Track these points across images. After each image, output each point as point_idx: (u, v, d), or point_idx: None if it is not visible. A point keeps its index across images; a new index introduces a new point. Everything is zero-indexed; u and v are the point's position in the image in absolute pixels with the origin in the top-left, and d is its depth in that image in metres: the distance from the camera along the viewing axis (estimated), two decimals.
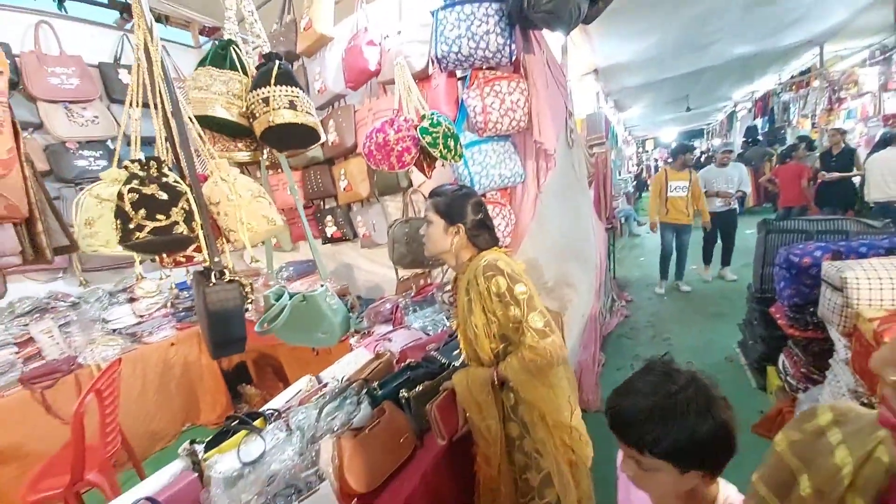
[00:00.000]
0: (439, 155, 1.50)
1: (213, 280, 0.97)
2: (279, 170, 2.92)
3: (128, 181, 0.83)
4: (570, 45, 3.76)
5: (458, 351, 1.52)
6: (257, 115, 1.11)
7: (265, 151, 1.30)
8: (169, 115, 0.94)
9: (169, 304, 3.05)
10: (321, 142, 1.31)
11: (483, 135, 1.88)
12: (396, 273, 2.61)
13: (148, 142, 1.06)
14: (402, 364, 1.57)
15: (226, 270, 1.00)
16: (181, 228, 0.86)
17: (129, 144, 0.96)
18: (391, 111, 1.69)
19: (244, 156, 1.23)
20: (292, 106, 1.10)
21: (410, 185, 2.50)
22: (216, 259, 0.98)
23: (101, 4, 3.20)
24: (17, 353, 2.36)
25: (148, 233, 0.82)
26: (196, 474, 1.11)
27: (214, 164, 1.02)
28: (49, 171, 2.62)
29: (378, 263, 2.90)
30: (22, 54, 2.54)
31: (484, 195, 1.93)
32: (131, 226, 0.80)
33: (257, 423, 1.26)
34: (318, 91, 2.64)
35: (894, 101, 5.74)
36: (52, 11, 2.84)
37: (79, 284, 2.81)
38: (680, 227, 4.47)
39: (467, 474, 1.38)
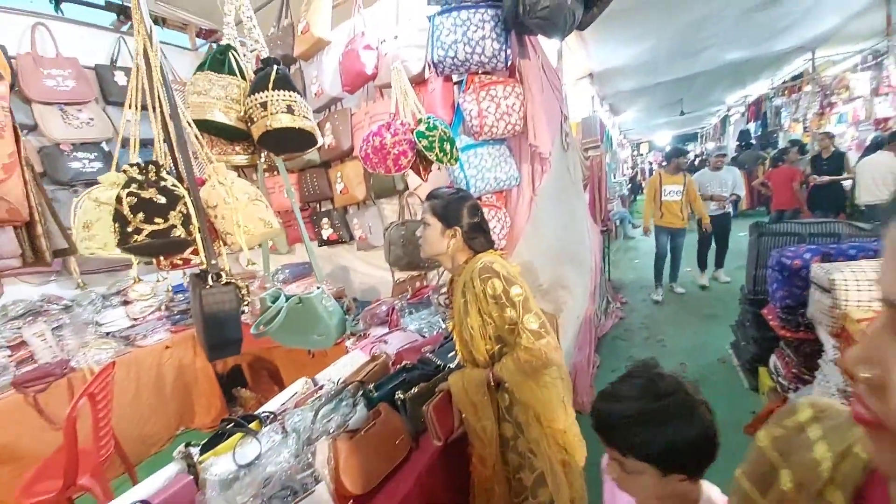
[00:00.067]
0: (435, 158, 1.51)
1: (210, 282, 0.98)
2: (275, 172, 2.93)
3: (126, 185, 0.83)
4: (566, 50, 3.81)
5: (453, 353, 1.52)
6: (255, 119, 1.12)
7: (262, 155, 1.31)
8: (167, 119, 0.95)
9: (163, 307, 3.04)
10: (318, 145, 1.32)
11: (479, 138, 1.90)
12: (393, 275, 2.62)
13: (144, 144, 1.07)
14: (398, 366, 1.58)
15: (222, 273, 1.00)
16: (179, 232, 0.86)
17: (123, 146, 0.97)
18: (388, 115, 1.70)
19: (242, 159, 1.24)
20: (290, 110, 1.12)
21: (407, 187, 2.51)
22: (213, 262, 0.99)
23: (98, 6, 3.20)
24: (9, 356, 2.34)
25: (146, 236, 0.82)
26: (191, 477, 1.11)
27: (212, 168, 1.02)
28: (43, 173, 2.60)
29: (374, 266, 2.90)
30: (18, 56, 2.53)
31: (480, 198, 1.94)
32: (129, 229, 0.81)
33: (253, 425, 1.27)
34: (315, 94, 2.65)
35: (885, 105, 5.83)
36: (48, 13, 2.83)
37: (76, 287, 2.79)
38: (674, 230, 4.49)
39: (462, 475, 1.38)
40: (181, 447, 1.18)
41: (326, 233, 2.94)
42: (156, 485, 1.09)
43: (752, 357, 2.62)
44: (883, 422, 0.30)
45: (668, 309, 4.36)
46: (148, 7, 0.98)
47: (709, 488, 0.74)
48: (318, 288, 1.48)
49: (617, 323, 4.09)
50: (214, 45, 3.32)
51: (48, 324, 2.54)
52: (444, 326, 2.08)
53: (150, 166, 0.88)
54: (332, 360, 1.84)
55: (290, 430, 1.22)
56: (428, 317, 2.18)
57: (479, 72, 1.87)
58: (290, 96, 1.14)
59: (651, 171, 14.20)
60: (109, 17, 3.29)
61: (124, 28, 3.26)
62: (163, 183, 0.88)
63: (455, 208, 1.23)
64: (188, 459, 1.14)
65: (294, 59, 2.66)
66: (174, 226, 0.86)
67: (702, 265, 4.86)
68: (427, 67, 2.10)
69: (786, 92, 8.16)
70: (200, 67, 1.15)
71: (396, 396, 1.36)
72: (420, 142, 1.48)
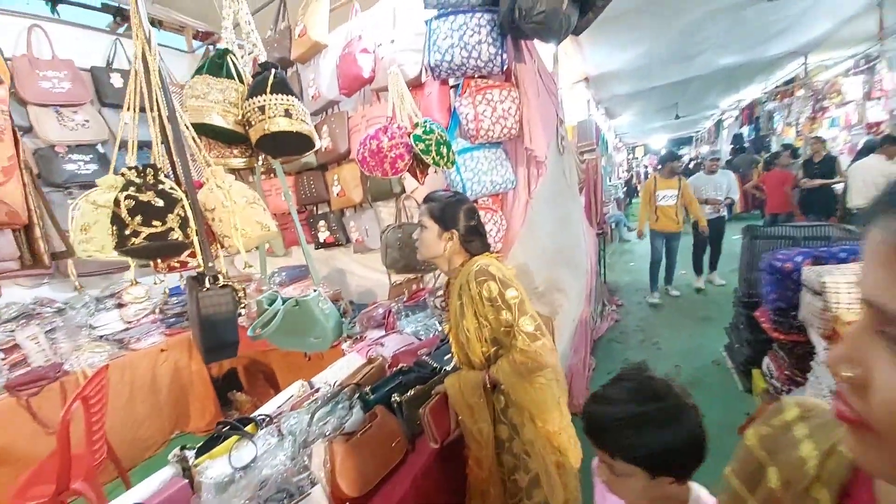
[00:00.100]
0: (432, 162, 1.53)
1: (207, 285, 0.98)
2: (271, 175, 2.93)
3: (124, 188, 0.84)
4: (562, 54, 3.83)
5: (449, 355, 1.53)
6: (253, 122, 1.12)
7: (260, 158, 1.31)
8: (165, 122, 0.95)
9: (157, 310, 3.03)
10: (315, 149, 1.33)
11: (475, 142, 1.91)
12: (389, 278, 2.62)
13: (141, 147, 1.07)
14: (394, 369, 1.58)
15: (220, 276, 1.01)
16: (176, 234, 0.87)
17: (121, 149, 0.97)
18: (384, 118, 1.71)
19: (239, 162, 1.25)
20: (288, 114, 1.12)
21: (403, 190, 2.52)
22: (210, 264, 0.99)
23: (94, 8, 3.20)
24: (2, 359, 2.32)
25: (144, 239, 0.82)
26: (186, 480, 1.11)
27: (210, 172, 1.03)
28: (38, 175, 2.59)
29: (371, 268, 2.91)
30: (14, 58, 2.53)
31: (476, 201, 1.95)
32: (127, 232, 0.81)
33: (249, 428, 1.27)
34: (312, 97, 2.66)
35: (878, 109, 5.90)
36: (44, 15, 2.83)
37: (74, 289, 2.77)
38: (669, 234, 4.49)
39: (458, 477, 1.39)
40: (176, 450, 1.18)
41: (323, 235, 2.94)
42: (151, 488, 1.09)
43: (746, 359, 2.64)
44: (865, 420, 0.30)
45: (663, 311, 4.39)
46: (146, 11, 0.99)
47: (698, 490, 0.75)
48: (315, 290, 1.48)
49: (612, 325, 4.11)
50: (211, 48, 3.35)
51: (41, 327, 2.52)
52: (440, 329, 2.08)
53: (148, 169, 0.89)
54: (329, 363, 1.83)
55: (287, 432, 1.22)
56: (424, 319, 2.19)
57: (476, 76, 1.88)
58: (287, 100, 1.14)
59: (647, 174, 14.30)
60: (106, 19, 3.28)
61: (120, 30, 3.26)
62: (161, 186, 0.89)
63: (452, 211, 1.24)
64: (183, 463, 1.13)
65: (291, 61, 2.67)
66: (172, 228, 0.86)
67: (697, 269, 4.88)
68: (424, 71, 2.12)
69: (778, 96, 8.25)
70: (199, 71, 1.15)
71: (393, 399, 1.36)
72: (417, 145, 1.50)
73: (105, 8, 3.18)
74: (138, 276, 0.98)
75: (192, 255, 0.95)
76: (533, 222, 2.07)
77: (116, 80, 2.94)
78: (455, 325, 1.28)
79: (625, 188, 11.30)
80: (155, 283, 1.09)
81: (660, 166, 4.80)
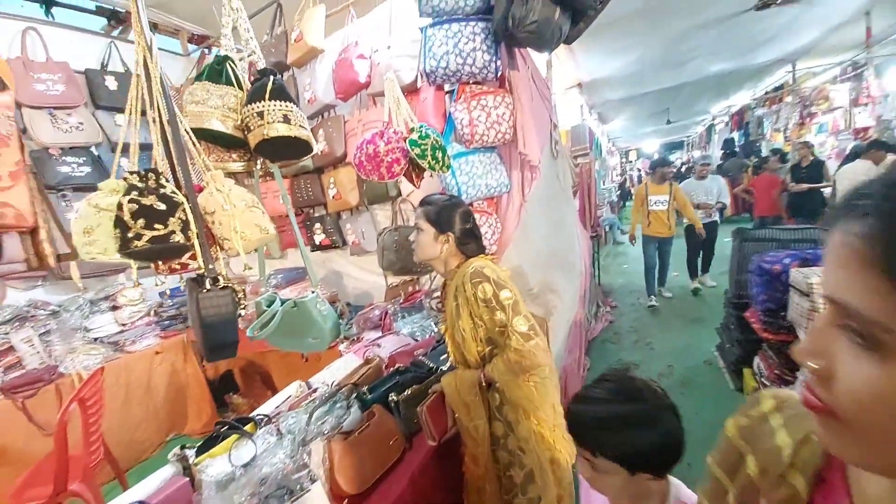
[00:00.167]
0: (428, 166, 1.55)
1: (208, 286, 1.00)
2: (266, 178, 2.94)
3: (127, 192, 0.86)
4: (555, 61, 3.89)
5: (445, 356, 1.56)
6: (252, 127, 1.15)
7: (258, 162, 1.34)
8: (166, 126, 0.97)
9: (152, 313, 3.02)
10: (313, 153, 1.35)
11: (470, 146, 1.94)
12: (386, 280, 2.64)
13: (139, 149, 1.09)
14: (391, 369, 1.61)
15: (220, 277, 1.03)
16: (178, 237, 0.89)
17: (124, 152, 0.99)
18: (380, 122, 1.74)
19: (238, 166, 1.27)
20: (286, 120, 1.15)
21: (399, 193, 2.54)
22: (210, 266, 1.01)
23: (89, 11, 3.20)
24: None
25: (146, 241, 0.85)
26: (187, 479, 1.12)
27: (210, 176, 1.05)
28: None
29: (367, 271, 2.92)
30: (9, 61, 2.52)
31: (471, 204, 1.98)
32: (130, 234, 0.84)
33: (247, 427, 1.28)
34: (308, 101, 2.68)
35: (865, 115, 6.02)
36: (39, 18, 2.83)
37: (77, 290, 2.77)
38: (662, 239, 4.53)
39: (455, 475, 1.41)
40: (176, 449, 1.19)
41: (319, 238, 2.96)
42: (152, 487, 1.10)
43: (737, 359, 2.69)
44: (831, 408, 0.33)
45: (657, 313, 4.44)
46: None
47: (677, 485, 0.78)
48: (313, 292, 1.50)
49: (606, 326, 4.16)
50: (206, 51, 3.36)
51: (35, 329, 2.50)
52: (436, 330, 2.11)
53: (150, 174, 0.91)
54: (326, 364, 1.85)
55: (285, 431, 1.24)
56: (420, 321, 2.21)
57: (470, 82, 1.92)
58: (286, 106, 1.17)
59: (640, 178, 14.44)
60: (100, 22, 3.28)
61: (115, 33, 3.26)
62: (162, 190, 0.91)
63: (448, 214, 1.27)
64: (184, 461, 1.15)
65: (287, 66, 2.69)
66: (173, 231, 0.89)
67: (693, 273, 4.92)
68: (419, 77, 2.15)
69: (767, 103, 8.40)
70: (199, 78, 1.18)
71: (390, 398, 1.38)
72: (413, 150, 1.52)
73: (99, 11, 3.19)
74: (137, 277, 1.00)
75: (193, 257, 0.97)
76: (527, 225, 2.11)
77: (111, 83, 2.94)
78: (451, 325, 1.30)
79: (618, 192, 11.41)
80: (156, 285, 1.10)
81: (651, 171, 4.85)
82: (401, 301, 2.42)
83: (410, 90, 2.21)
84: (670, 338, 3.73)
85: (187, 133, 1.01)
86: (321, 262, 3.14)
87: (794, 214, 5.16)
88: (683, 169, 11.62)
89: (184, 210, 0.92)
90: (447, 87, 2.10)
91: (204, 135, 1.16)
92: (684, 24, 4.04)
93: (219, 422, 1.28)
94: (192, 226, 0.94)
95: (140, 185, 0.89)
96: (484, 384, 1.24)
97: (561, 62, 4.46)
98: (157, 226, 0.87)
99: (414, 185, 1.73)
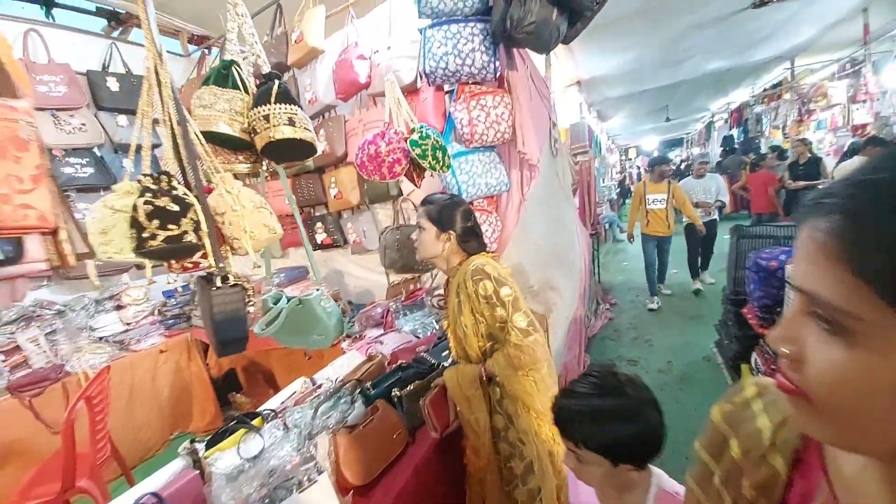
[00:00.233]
0: (428, 166, 1.58)
1: (219, 284, 1.03)
2: (269, 178, 2.97)
3: (142, 194, 0.89)
4: (554, 59, 3.91)
5: (446, 352, 1.59)
6: (258, 130, 1.18)
7: (264, 163, 1.37)
8: (176, 129, 1.00)
9: (156, 312, 3.05)
10: (317, 154, 1.38)
11: (469, 146, 1.97)
12: (388, 278, 2.67)
13: (139, 150, 1.12)
14: (394, 365, 1.64)
15: (229, 275, 1.06)
16: (190, 237, 0.92)
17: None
18: (381, 122, 1.76)
19: (244, 168, 1.30)
20: (291, 122, 1.18)
21: (400, 193, 2.57)
22: (221, 265, 1.04)
23: (89, 12, 3.21)
24: (3, 361, 2.34)
25: (161, 241, 0.88)
26: (197, 472, 1.16)
27: (220, 178, 1.08)
28: None
29: (368, 269, 2.95)
30: None
31: (472, 203, 2.01)
32: (146, 234, 0.87)
33: (255, 422, 1.31)
34: (309, 102, 2.71)
35: (863, 112, 6.04)
36: (40, 20, 2.84)
37: (94, 289, 2.84)
38: (660, 238, 4.50)
39: (457, 468, 1.45)
40: (186, 444, 1.23)
41: (320, 237, 2.99)
42: (162, 479, 1.14)
43: (735, 355, 2.71)
44: (803, 391, 0.35)
45: (656, 310, 4.48)
46: (142, 13, 1.02)
47: (659, 475, 0.82)
48: (317, 290, 1.53)
49: (606, 324, 4.19)
50: (206, 52, 3.37)
51: (41, 329, 2.54)
52: (437, 327, 2.14)
53: (163, 176, 0.94)
54: (328, 362, 1.88)
55: (292, 425, 1.28)
56: (422, 318, 2.24)
57: (470, 82, 1.94)
58: (291, 109, 1.20)
59: (639, 175, 14.46)
60: (100, 23, 3.29)
61: (115, 34, 3.28)
62: (174, 192, 0.94)
63: (449, 213, 1.30)
64: (193, 455, 1.18)
65: (288, 66, 2.71)
66: (186, 231, 0.92)
67: (694, 273, 4.89)
68: (419, 77, 2.18)
69: (766, 100, 8.42)
70: (206, 82, 1.21)
71: (393, 394, 1.42)
72: (414, 150, 1.55)
73: (99, 12, 3.20)
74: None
75: (204, 256, 1.00)
76: (526, 223, 2.14)
77: (112, 84, 2.96)
78: (453, 321, 1.34)
79: (618, 189, 11.43)
80: (168, 283, 1.13)
81: (649, 169, 4.85)
82: (402, 299, 2.45)
83: (410, 90, 2.23)
84: (669, 335, 3.76)
85: (197, 136, 1.04)
86: (323, 261, 3.17)
87: (790, 211, 5.19)
88: (683, 167, 11.64)
89: (195, 211, 0.96)
90: (447, 88, 2.13)
91: (212, 137, 1.19)
92: (682, 23, 4.06)
93: (227, 416, 1.32)
94: (204, 226, 0.97)
95: (153, 186, 0.92)
96: (485, 378, 1.28)
97: (560, 60, 4.49)
98: (170, 226, 0.90)
99: (415, 184, 1.75)
